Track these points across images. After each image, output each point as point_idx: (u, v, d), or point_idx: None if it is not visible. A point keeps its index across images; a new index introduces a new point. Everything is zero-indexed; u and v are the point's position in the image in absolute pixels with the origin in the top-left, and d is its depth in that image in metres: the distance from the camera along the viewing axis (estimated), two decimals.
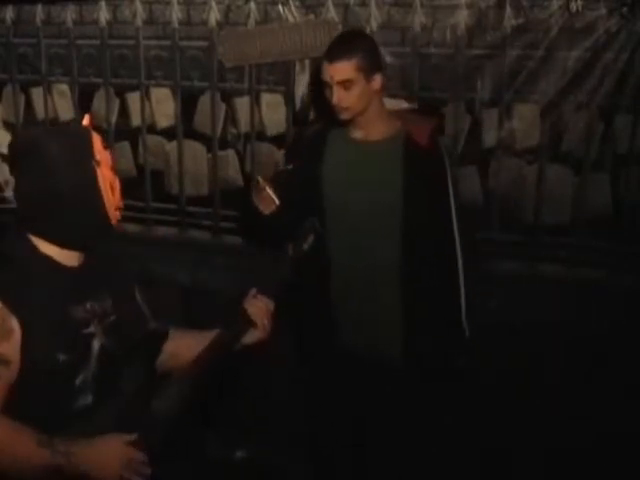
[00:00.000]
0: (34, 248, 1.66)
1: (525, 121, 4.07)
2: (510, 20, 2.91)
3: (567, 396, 2.84)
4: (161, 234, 3.60)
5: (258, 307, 1.87)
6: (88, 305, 1.68)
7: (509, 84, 3.03)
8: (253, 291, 1.90)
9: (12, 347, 1.56)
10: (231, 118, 5.12)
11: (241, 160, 4.42)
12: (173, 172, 3.98)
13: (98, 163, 1.72)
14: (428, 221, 2.39)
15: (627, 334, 2.81)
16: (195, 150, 4.35)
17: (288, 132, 3.38)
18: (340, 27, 3.02)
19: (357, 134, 2.47)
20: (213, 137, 3.52)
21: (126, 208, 3.56)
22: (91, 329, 1.67)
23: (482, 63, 3.16)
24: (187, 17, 4.01)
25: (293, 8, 3.12)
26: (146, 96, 3.96)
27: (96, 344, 1.67)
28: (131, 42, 3.60)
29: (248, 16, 3.15)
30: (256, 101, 3.57)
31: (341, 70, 2.34)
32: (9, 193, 3.70)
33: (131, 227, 3.64)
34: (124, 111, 5.09)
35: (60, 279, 1.66)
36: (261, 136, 4.39)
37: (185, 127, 3.68)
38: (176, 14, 3.31)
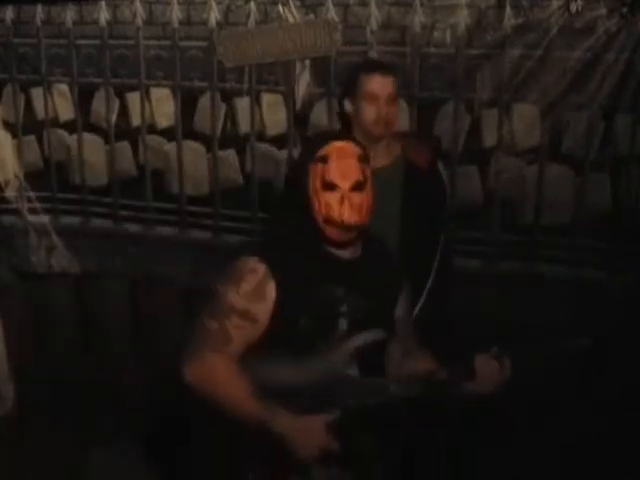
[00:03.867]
0: (317, 232, 1.76)
1: (525, 121, 4.08)
2: (510, 20, 2.91)
3: (567, 396, 2.84)
4: (161, 234, 3.60)
5: (488, 365, 1.79)
6: (343, 291, 1.75)
7: (509, 84, 3.03)
8: (494, 350, 1.82)
9: (264, 309, 1.70)
10: (231, 118, 5.13)
11: (241, 160, 4.42)
12: (173, 172, 3.98)
13: (308, 172, 1.75)
14: (419, 243, 2.35)
15: (627, 334, 2.80)
16: (195, 150, 4.36)
17: (288, 132, 3.38)
18: (340, 27, 3.02)
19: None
20: (213, 137, 3.52)
21: (126, 208, 3.64)
22: (341, 310, 1.75)
23: (482, 63, 3.17)
24: (187, 17, 4.02)
25: (293, 8, 3.12)
26: (146, 96, 3.96)
27: (342, 324, 1.74)
28: (131, 42, 3.60)
29: (248, 16, 3.16)
30: (256, 101, 3.57)
31: (390, 83, 2.28)
32: (9, 193, 3.71)
33: (131, 227, 3.64)
34: (124, 111, 5.10)
35: (327, 263, 1.75)
36: (261, 136, 4.39)
37: (185, 127, 3.68)
38: (176, 14, 3.31)
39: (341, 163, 1.72)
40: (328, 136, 1.85)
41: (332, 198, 1.70)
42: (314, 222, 1.73)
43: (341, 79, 3.28)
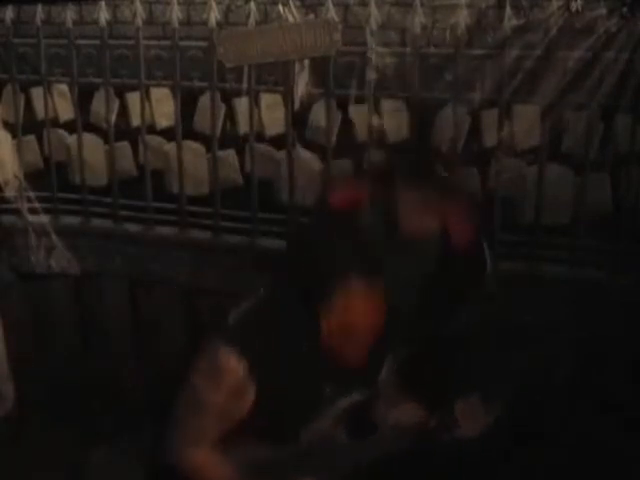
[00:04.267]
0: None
1: (525, 121, 4.07)
2: (510, 20, 2.91)
3: (567, 396, 2.84)
4: (161, 234, 3.60)
5: (468, 411, 1.79)
6: (329, 378, 1.70)
7: (509, 84, 3.03)
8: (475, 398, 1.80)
9: (244, 405, 1.64)
10: (231, 118, 5.12)
11: (241, 160, 4.42)
12: (173, 172, 3.98)
13: (326, 305, 1.63)
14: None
15: (627, 334, 2.81)
16: (195, 150, 4.35)
17: (287, 132, 3.38)
18: (340, 27, 3.01)
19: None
20: (213, 137, 3.52)
21: (126, 208, 3.64)
22: (325, 390, 1.70)
23: (482, 63, 3.17)
24: (187, 17, 4.02)
25: (293, 8, 3.11)
26: (146, 96, 3.96)
27: (327, 396, 1.71)
28: (131, 42, 3.60)
29: (248, 16, 3.15)
30: (255, 101, 3.57)
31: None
32: (9, 193, 3.71)
33: (131, 227, 3.64)
34: (124, 111, 5.09)
35: (311, 354, 1.68)
36: (260, 136, 4.39)
37: (185, 127, 3.68)
38: (176, 14, 3.31)
39: (369, 307, 1.62)
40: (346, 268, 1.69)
41: (347, 342, 1.63)
42: (316, 344, 1.65)
43: (343, 84, 3.29)
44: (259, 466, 1.67)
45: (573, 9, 2.84)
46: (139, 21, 3.38)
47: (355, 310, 1.61)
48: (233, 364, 1.62)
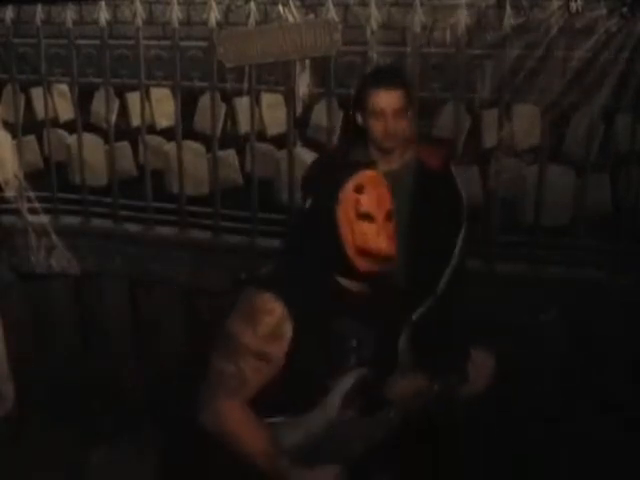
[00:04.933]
0: (343, 263, 1.71)
1: (525, 121, 4.08)
2: (510, 20, 2.91)
3: (567, 396, 2.84)
4: (161, 234, 3.60)
5: (480, 364, 1.79)
6: (355, 325, 1.71)
7: (509, 84, 3.03)
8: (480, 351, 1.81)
9: (280, 349, 1.65)
10: (231, 118, 5.13)
11: (241, 160, 4.42)
12: (173, 172, 3.98)
13: (339, 202, 1.67)
14: (432, 246, 2.30)
15: (627, 334, 2.81)
16: (195, 150, 4.36)
17: (288, 132, 3.38)
18: (340, 27, 3.02)
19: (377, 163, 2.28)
20: (213, 137, 3.52)
21: (126, 208, 3.64)
22: (351, 344, 1.71)
23: (482, 63, 3.17)
24: (187, 17, 4.02)
25: (293, 8, 3.11)
26: (146, 96, 3.96)
27: (352, 360, 1.71)
28: (131, 42, 3.60)
29: (248, 16, 3.15)
30: (256, 101, 3.57)
31: (397, 97, 2.27)
32: (9, 193, 3.71)
33: (131, 227, 3.64)
34: (124, 111, 5.10)
35: (341, 300, 1.71)
36: (261, 136, 4.39)
37: (185, 127, 3.68)
38: (176, 14, 3.30)
39: (376, 193, 1.67)
40: (357, 165, 1.78)
41: (369, 229, 1.65)
42: (342, 253, 1.66)
43: (344, 84, 3.29)
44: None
45: (573, 9, 2.84)
46: (139, 21, 3.38)
47: (369, 190, 1.67)
48: (270, 305, 1.64)
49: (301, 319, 1.65)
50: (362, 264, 1.67)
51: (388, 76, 2.36)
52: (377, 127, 2.29)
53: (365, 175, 1.69)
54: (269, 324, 1.64)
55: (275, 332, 1.65)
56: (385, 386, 1.80)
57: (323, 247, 1.69)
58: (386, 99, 2.27)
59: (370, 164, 1.79)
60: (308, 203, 1.78)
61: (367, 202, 1.66)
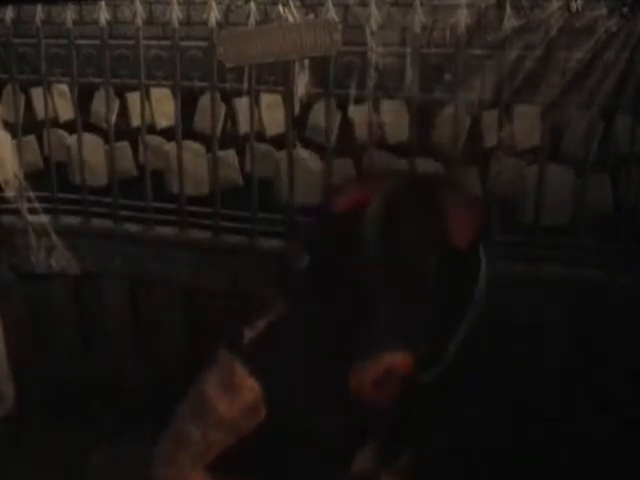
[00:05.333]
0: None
1: (525, 121, 4.07)
2: (510, 20, 2.91)
3: (566, 396, 2.84)
4: (161, 234, 3.60)
5: None
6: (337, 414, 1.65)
7: (509, 84, 3.03)
8: None
9: (250, 425, 1.59)
10: (231, 118, 5.12)
11: (241, 160, 4.42)
12: (173, 172, 3.98)
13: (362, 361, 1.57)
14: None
15: (627, 334, 2.81)
16: (195, 150, 4.36)
17: (287, 132, 3.38)
18: (340, 27, 3.02)
19: None
20: (213, 137, 3.52)
21: (126, 208, 3.64)
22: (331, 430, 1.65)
23: (482, 63, 3.16)
24: (187, 17, 4.02)
25: (293, 8, 3.11)
26: (146, 96, 3.96)
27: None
28: (131, 42, 3.60)
29: (248, 16, 3.15)
30: (256, 101, 3.57)
31: None
32: (9, 193, 3.71)
33: (131, 227, 3.64)
34: (124, 111, 5.09)
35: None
36: (260, 136, 4.39)
37: (185, 127, 3.68)
38: (176, 14, 3.30)
39: (399, 379, 1.57)
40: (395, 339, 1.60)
41: (377, 398, 1.58)
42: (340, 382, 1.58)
43: (343, 84, 3.29)
44: None
45: (573, 9, 2.84)
46: (139, 21, 3.37)
47: (394, 376, 1.56)
48: (250, 383, 1.57)
49: (279, 402, 1.58)
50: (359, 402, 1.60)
51: None
52: None
53: (401, 359, 1.56)
54: (247, 401, 1.58)
55: (250, 409, 1.59)
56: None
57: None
58: None
59: (412, 342, 1.60)
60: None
61: (386, 385, 1.57)
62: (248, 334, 1.66)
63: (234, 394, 1.59)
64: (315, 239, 1.78)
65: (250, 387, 1.58)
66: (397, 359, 1.54)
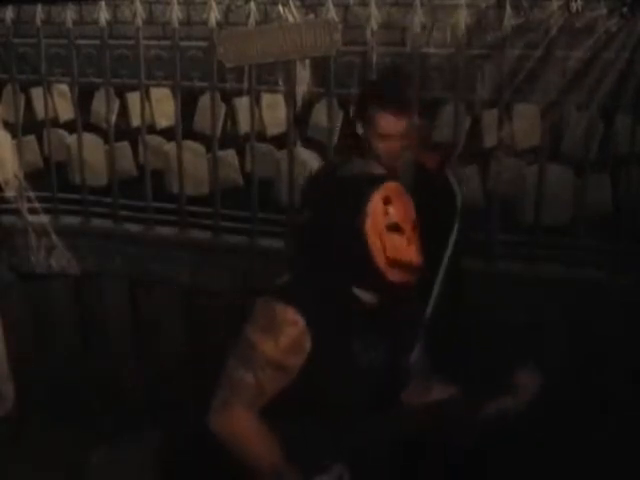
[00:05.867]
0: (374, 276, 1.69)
1: (525, 121, 4.08)
2: (510, 20, 2.91)
3: (566, 396, 2.84)
4: (161, 234, 3.60)
5: (531, 379, 1.83)
6: (371, 341, 1.71)
7: (509, 84, 3.03)
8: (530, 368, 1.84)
9: (299, 361, 1.65)
10: (231, 118, 5.13)
11: (241, 160, 4.43)
12: (173, 172, 3.98)
13: (367, 214, 1.64)
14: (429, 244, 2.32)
15: (627, 334, 2.80)
16: (195, 150, 4.36)
17: (288, 132, 3.38)
18: (340, 27, 3.02)
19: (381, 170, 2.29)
20: (213, 137, 3.52)
21: (126, 208, 3.64)
22: (366, 360, 1.71)
23: (482, 63, 3.17)
24: (187, 17, 4.02)
25: (293, 8, 3.11)
26: (146, 96, 3.96)
27: (363, 375, 1.71)
28: (131, 42, 3.60)
29: (248, 16, 3.15)
30: (256, 101, 3.57)
31: (405, 123, 2.26)
32: (9, 193, 3.71)
33: (131, 227, 3.64)
34: (124, 111, 5.10)
35: (357, 313, 1.71)
36: (261, 136, 4.39)
37: (185, 127, 3.68)
38: (176, 14, 3.31)
39: (402, 204, 1.67)
40: (381, 177, 1.79)
41: (399, 240, 1.64)
42: (371, 265, 1.64)
43: (344, 84, 3.29)
44: (292, 446, 1.66)
45: (573, 9, 2.84)
46: (139, 21, 3.38)
47: (396, 202, 1.66)
48: (292, 317, 1.63)
49: (320, 334, 1.64)
50: (394, 275, 1.65)
51: (396, 98, 2.32)
52: (382, 147, 2.26)
53: (390, 187, 1.68)
54: (291, 336, 1.63)
55: (296, 345, 1.64)
56: (403, 395, 1.80)
57: (348, 260, 1.66)
58: (394, 125, 2.25)
59: (390, 176, 1.77)
60: (310, 214, 1.77)
61: (396, 213, 1.65)
62: (278, 281, 1.75)
63: (278, 332, 1.64)
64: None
65: (292, 321, 1.63)
66: (389, 187, 1.67)
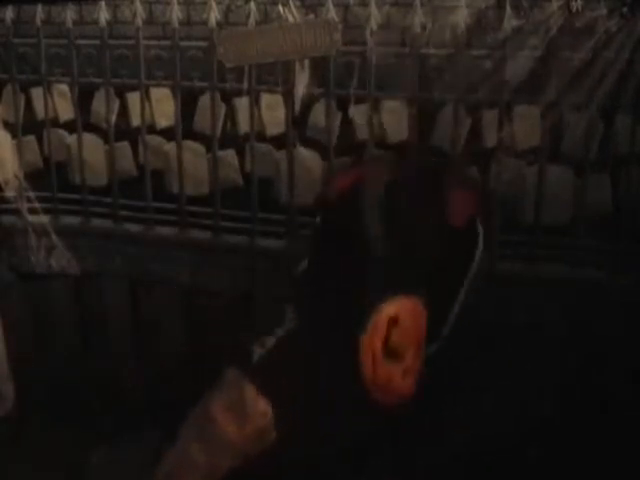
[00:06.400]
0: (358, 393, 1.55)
1: (525, 121, 4.07)
2: (510, 20, 2.91)
3: (566, 396, 2.84)
4: (161, 234, 3.60)
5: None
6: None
7: (509, 84, 3.02)
8: None
9: (258, 448, 1.51)
10: (231, 118, 5.12)
11: (241, 160, 4.42)
12: (173, 172, 3.98)
13: (365, 330, 1.44)
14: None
15: (627, 334, 2.80)
16: (195, 150, 4.36)
17: (287, 132, 3.38)
18: (340, 27, 3.02)
19: None
20: (213, 137, 3.52)
21: (126, 208, 3.64)
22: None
23: (482, 63, 3.16)
24: (187, 17, 4.02)
25: (293, 8, 3.11)
26: (146, 96, 3.96)
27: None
28: (131, 42, 3.60)
29: (248, 16, 3.15)
30: (256, 101, 3.57)
31: None
32: (9, 193, 3.71)
33: (131, 227, 3.64)
34: (124, 111, 5.09)
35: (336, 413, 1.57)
36: (260, 136, 4.39)
37: (185, 127, 3.68)
38: (176, 14, 3.31)
39: (412, 326, 1.44)
40: (395, 288, 1.49)
41: (395, 370, 1.45)
42: (357, 380, 1.47)
43: (343, 84, 3.29)
44: None
45: (573, 9, 2.84)
46: (139, 21, 3.38)
47: (404, 325, 1.45)
48: (262, 407, 1.50)
49: (289, 425, 1.50)
50: (377, 397, 1.49)
51: None
52: None
53: (403, 304, 1.45)
54: (258, 426, 1.50)
55: (261, 434, 1.51)
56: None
57: (338, 372, 1.49)
58: None
59: (411, 288, 1.50)
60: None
61: (399, 339, 1.44)
62: (258, 351, 1.58)
63: (244, 418, 1.50)
64: (315, 236, 1.77)
65: (262, 412, 1.49)
66: (401, 304, 1.43)
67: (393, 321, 1.44)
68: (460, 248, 1.83)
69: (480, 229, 1.89)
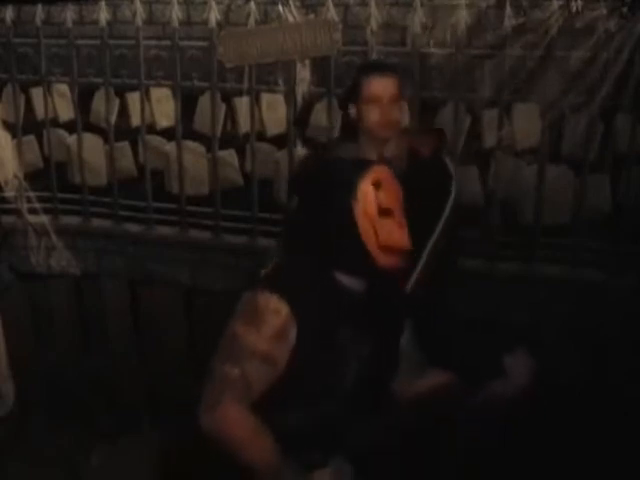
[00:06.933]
0: (366, 260, 1.67)
1: (525, 121, 4.08)
2: (510, 20, 2.91)
3: (566, 396, 2.84)
4: (161, 234, 3.61)
5: (520, 362, 1.78)
6: (357, 329, 1.69)
7: (509, 84, 3.03)
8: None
9: (285, 351, 1.62)
10: (231, 118, 5.13)
11: (241, 160, 4.43)
12: (173, 172, 3.98)
13: (357, 199, 1.63)
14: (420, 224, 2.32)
15: (627, 334, 2.81)
16: (195, 150, 4.36)
17: (288, 132, 3.38)
18: (340, 27, 3.02)
19: (372, 155, 2.33)
20: (213, 137, 3.52)
21: (126, 208, 3.65)
22: (354, 348, 1.69)
23: (482, 63, 3.17)
24: (187, 17, 4.02)
25: (293, 8, 3.12)
26: (146, 96, 3.96)
27: (353, 364, 1.70)
28: (131, 42, 3.60)
29: (248, 16, 3.15)
30: (256, 101, 3.57)
31: (391, 83, 2.28)
32: (9, 193, 3.71)
33: (131, 227, 3.64)
34: (124, 111, 5.10)
35: (342, 300, 1.69)
36: (261, 136, 4.39)
37: (185, 127, 3.69)
38: (176, 14, 3.31)
39: (391, 188, 1.66)
40: (370, 161, 1.81)
41: (391, 225, 1.64)
42: (362, 250, 1.62)
43: (344, 84, 3.29)
44: (281, 439, 1.62)
45: (573, 9, 2.84)
46: (139, 21, 3.38)
47: (387, 186, 1.66)
48: (275, 305, 1.61)
49: (305, 322, 1.61)
50: (384, 260, 1.63)
51: (381, 65, 2.42)
52: (372, 115, 2.27)
53: (379, 170, 1.67)
54: (275, 325, 1.61)
55: (280, 334, 1.61)
56: (395, 386, 1.79)
57: (338, 245, 1.65)
58: (380, 85, 2.27)
59: (379, 160, 1.78)
60: (297, 201, 1.75)
61: (386, 197, 1.64)
62: (265, 271, 1.73)
63: (261, 321, 1.61)
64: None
65: (275, 309, 1.61)
66: (379, 170, 1.66)
67: (376, 184, 1.64)
68: (433, 178, 2.29)
69: (451, 168, 2.37)
